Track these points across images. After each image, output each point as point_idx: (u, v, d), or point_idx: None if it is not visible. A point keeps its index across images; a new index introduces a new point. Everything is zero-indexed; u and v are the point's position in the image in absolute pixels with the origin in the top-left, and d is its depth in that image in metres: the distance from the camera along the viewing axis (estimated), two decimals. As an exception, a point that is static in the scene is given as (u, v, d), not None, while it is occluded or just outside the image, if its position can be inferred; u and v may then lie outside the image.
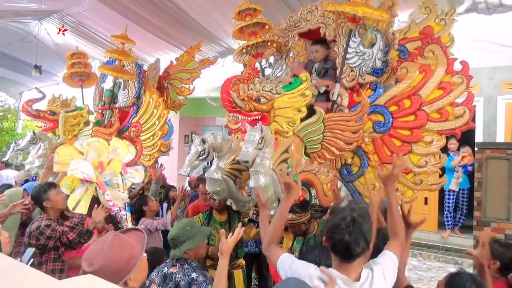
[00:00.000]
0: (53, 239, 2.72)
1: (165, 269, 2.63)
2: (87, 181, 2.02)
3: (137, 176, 2.37)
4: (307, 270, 1.89)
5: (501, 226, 5.23)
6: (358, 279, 1.83)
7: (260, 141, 2.73)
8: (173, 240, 2.72)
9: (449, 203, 7.16)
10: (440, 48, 3.16)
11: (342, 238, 1.78)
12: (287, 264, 1.98)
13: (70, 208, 2.13)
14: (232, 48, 7.62)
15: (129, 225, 2.35)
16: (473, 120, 3.18)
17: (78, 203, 2.05)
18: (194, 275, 2.56)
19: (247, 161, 2.66)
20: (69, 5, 7.25)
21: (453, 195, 7.12)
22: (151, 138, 5.23)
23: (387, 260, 1.97)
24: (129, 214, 2.40)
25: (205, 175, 3.27)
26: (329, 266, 1.93)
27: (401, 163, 2.44)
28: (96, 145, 2.06)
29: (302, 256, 2.24)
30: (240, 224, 2.31)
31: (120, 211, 2.30)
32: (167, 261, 2.77)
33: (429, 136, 3.24)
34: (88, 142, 2.07)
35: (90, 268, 1.58)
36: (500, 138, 6.89)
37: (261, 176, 2.78)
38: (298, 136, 3.24)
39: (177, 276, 2.57)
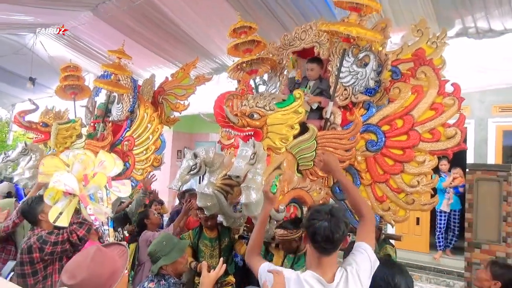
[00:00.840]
0: (61, 243, 2.61)
1: (146, 284, 2.63)
2: (70, 193, 1.98)
3: (123, 190, 2.32)
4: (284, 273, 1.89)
5: (492, 248, 5.22)
6: (332, 279, 1.84)
7: (252, 156, 2.73)
8: (150, 255, 2.71)
9: (440, 224, 7.16)
10: (432, 70, 3.21)
11: (321, 224, 1.82)
12: (265, 271, 2.00)
13: (51, 220, 2.07)
14: (226, 65, 7.68)
15: (111, 240, 2.30)
16: (464, 141, 3.21)
17: (60, 216, 1.99)
18: None
19: (238, 176, 2.65)
20: (65, 19, 7.30)
21: (445, 216, 7.13)
22: (144, 152, 5.22)
23: (361, 258, 1.96)
24: (111, 230, 2.35)
25: (196, 190, 3.25)
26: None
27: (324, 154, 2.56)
28: (82, 157, 2.02)
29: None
30: (222, 259, 2.29)
31: (103, 225, 2.25)
32: (149, 275, 2.75)
33: (421, 156, 3.26)
34: (75, 154, 2.04)
35: (71, 281, 1.54)
36: (491, 160, 6.96)
37: (253, 192, 2.77)
38: (290, 153, 3.25)
39: None
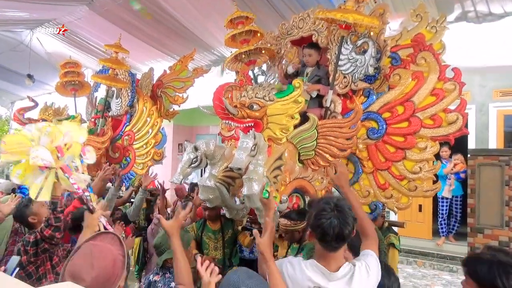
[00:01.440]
0: (37, 243, 2.50)
1: (151, 277, 2.65)
2: (46, 167, 1.93)
3: (90, 157, 2.30)
4: (287, 259, 1.93)
5: (495, 232, 5.24)
6: (336, 270, 1.82)
7: (253, 148, 2.71)
8: (156, 248, 2.74)
9: (442, 210, 7.17)
10: (432, 55, 3.18)
11: (331, 222, 1.77)
12: (281, 264, 1.95)
13: (33, 197, 2.03)
14: (224, 56, 7.65)
15: (94, 205, 2.27)
16: (466, 127, 3.19)
17: (40, 191, 1.95)
18: (173, 284, 2.54)
19: (239, 168, 2.63)
20: (62, 14, 7.25)
21: (447, 202, 7.15)
22: (144, 146, 5.21)
23: (372, 259, 1.94)
24: (92, 195, 2.33)
25: (198, 182, 3.24)
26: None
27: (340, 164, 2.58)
28: (48, 129, 1.97)
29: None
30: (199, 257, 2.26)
31: (84, 192, 2.23)
32: (154, 268, 2.76)
33: (422, 142, 3.24)
34: (39, 127, 1.99)
35: (82, 283, 1.50)
36: (492, 145, 6.95)
37: (255, 184, 2.76)
38: (291, 143, 3.23)
39: (158, 284, 2.56)
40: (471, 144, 6.94)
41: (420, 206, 7.49)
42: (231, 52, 4.01)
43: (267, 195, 2.20)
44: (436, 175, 3.36)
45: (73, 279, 1.53)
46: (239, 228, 3.96)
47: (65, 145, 1.94)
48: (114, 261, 1.63)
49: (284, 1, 5.75)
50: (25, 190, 5.39)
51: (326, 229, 1.77)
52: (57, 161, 1.90)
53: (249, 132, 2.84)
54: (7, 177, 5.92)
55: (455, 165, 6.99)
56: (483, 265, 1.82)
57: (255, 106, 2.94)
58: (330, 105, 3.39)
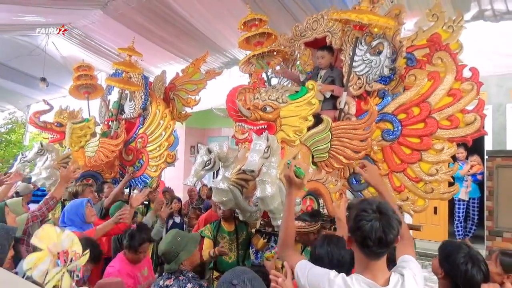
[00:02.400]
0: None
1: (161, 282, 2.58)
2: (64, 262, 1.94)
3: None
4: (327, 276, 1.71)
5: (513, 235, 5.11)
6: (386, 283, 1.63)
7: (266, 150, 2.70)
8: (166, 254, 2.64)
9: (459, 212, 7.04)
10: (448, 55, 3.13)
11: (372, 224, 1.58)
12: (305, 268, 1.81)
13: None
14: (237, 58, 7.63)
15: None
16: (483, 128, 3.13)
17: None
18: (189, 286, 2.51)
19: (253, 171, 2.62)
20: (76, 18, 7.34)
21: (463, 205, 7.01)
22: (158, 149, 5.25)
23: (415, 265, 1.76)
24: None
25: (211, 185, 3.24)
26: (343, 256, 1.83)
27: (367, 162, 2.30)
28: (72, 237, 2.04)
29: (311, 254, 2.13)
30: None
31: None
32: (163, 274, 2.71)
33: (439, 143, 3.19)
34: (66, 232, 2.04)
35: None
36: (510, 146, 6.79)
37: (268, 186, 2.74)
38: (305, 145, 3.21)
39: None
40: (488, 145, 6.80)
41: (435, 208, 7.36)
42: (244, 54, 4.01)
43: (303, 174, 2.01)
44: (452, 177, 3.29)
45: None
46: (253, 230, 3.95)
47: (76, 253, 1.97)
48: None
49: (297, 3, 5.71)
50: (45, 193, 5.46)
51: (367, 233, 1.59)
52: (69, 263, 1.93)
53: (262, 134, 2.82)
54: (25, 180, 6.01)
55: (471, 166, 6.85)
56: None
57: (268, 108, 2.92)
58: (344, 107, 3.36)
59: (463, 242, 2.19)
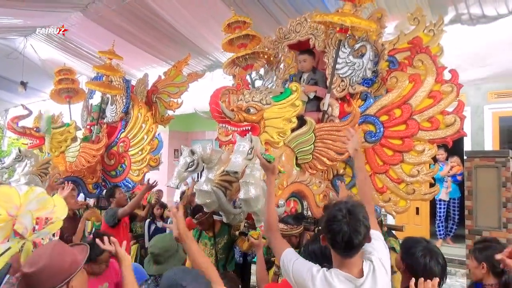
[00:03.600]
0: None
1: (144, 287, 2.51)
2: (20, 235, 1.79)
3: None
4: (310, 271, 1.81)
5: (493, 234, 5.20)
6: (361, 274, 1.75)
7: (250, 151, 2.69)
8: (158, 256, 2.54)
9: (440, 212, 7.16)
10: (429, 58, 3.18)
11: (340, 229, 1.69)
12: (290, 260, 1.91)
13: None
14: (220, 61, 7.62)
15: None
16: (462, 129, 3.19)
17: None
18: None
19: (236, 172, 2.61)
20: (56, 21, 7.21)
21: (444, 205, 7.14)
22: (140, 152, 5.19)
23: (380, 245, 1.89)
24: None
25: (195, 187, 3.21)
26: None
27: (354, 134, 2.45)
28: (45, 197, 1.87)
29: (305, 249, 2.21)
30: None
31: None
32: (149, 281, 2.61)
33: (420, 145, 3.23)
34: (36, 191, 1.87)
35: (32, 268, 1.57)
36: (488, 147, 6.96)
37: (252, 188, 2.73)
38: (288, 147, 3.21)
39: None
40: (467, 146, 6.95)
41: (417, 209, 7.46)
42: (227, 57, 4.00)
43: (273, 158, 2.18)
44: (433, 178, 3.35)
45: (26, 265, 1.61)
46: (236, 233, 3.93)
47: (47, 219, 1.83)
48: (73, 262, 1.67)
49: (279, 7, 5.75)
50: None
51: (335, 235, 1.71)
52: (31, 233, 1.77)
53: (245, 135, 2.81)
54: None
55: (451, 167, 6.99)
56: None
57: (252, 110, 2.92)
58: (327, 109, 3.38)
59: (422, 238, 2.28)
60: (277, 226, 2.18)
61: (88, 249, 1.81)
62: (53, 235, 1.88)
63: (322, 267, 1.82)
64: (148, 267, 2.60)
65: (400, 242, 2.43)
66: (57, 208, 1.87)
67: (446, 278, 2.21)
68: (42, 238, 1.81)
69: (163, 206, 5.28)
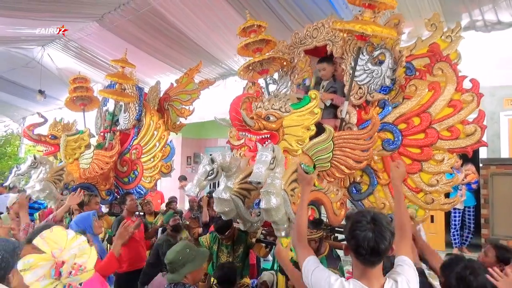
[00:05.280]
0: None
1: None
2: (59, 274, 1.79)
3: None
4: (328, 279, 1.81)
5: (510, 243, 5.12)
6: None
7: (272, 161, 2.67)
8: (171, 263, 2.62)
9: (455, 221, 7.07)
10: (449, 66, 3.15)
11: (365, 234, 1.68)
12: (310, 268, 1.92)
13: None
14: (232, 69, 7.66)
15: None
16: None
17: None
18: None
19: (259, 182, 2.59)
20: (72, 31, 7.32)
21: (459, 213, 7.05)
22: (152, 160, 5.22)
23: (410, 270, 1.84)
24: None
25: (213, 195, 3.20)
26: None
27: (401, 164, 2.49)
28: (85, 246, 1.89)
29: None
30: None
31: None
32: (165, 286, 2.67)
33: (440, 154, 3.19)
34: (81, 239, 1.89)
35: None
36: (504, 154, 6.86)
37: (273, 197, 2.71)
38: (307, 155, 3.18)
39: None
40: (483, 154, 6.86)
41: (432, 217, 7.36)
42: (239, 65, 4.00)
43: (313, 170, 2.32)
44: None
45: None
46: (253, 240, 3.92)
47: (80, 266, 1.84)
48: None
49: (290, 14, 5.77)
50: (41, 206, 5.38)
51: (360, 241, 1.69)
52: (66, 276, 1.79)
53: (267, 144, 2.80)
54: (19, 191, 5.90)
55: (466, 175, 6.91)
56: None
57: (271, 118, 2.91)
58: (345, 116, 3.36)
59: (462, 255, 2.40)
60: (306, 237, 2.20)
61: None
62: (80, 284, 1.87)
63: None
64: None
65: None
66: (90, 259, 1.88)
67: None
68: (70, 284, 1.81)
69: (180, 216, 5.31)
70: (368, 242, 1.67)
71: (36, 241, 1.73)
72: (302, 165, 2.26)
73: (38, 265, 1.70)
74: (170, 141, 5.36)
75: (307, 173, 2.24)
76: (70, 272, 1.77)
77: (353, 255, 1.76)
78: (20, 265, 1.69)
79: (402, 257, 1.90)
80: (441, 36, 3.26)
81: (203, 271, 2.81)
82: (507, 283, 2.14)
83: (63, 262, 1.75)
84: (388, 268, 1.92)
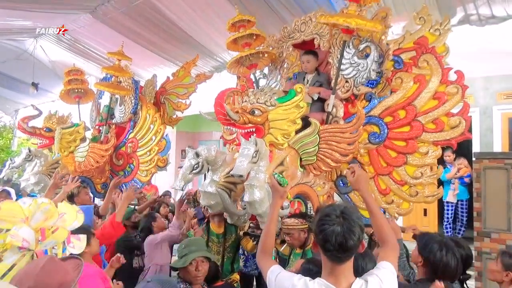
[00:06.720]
0: None
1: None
2: (24, 248, 1.71)
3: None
4: (291, 280, 1.74)
5: (501, 236, 5.14)
6: None
7: (254, 154, 2.70)
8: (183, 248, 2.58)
9: (448, 214, 7.11)
10: (434, 58, 3.16)
11: (333, 229, 1.60)
12: (274, 275, 1.83)
13: None
14: (226, 62, 7.63)
15: None
16: (470, 130, 3.17)
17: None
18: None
19: (241, 176, 2.62)
20: (65, 22, 7.30)
21: (452, 207, 7.08)
22: (148, 153, 5.22)
23: (386, 273, 1.74)
24: None
25: (199, 188, 3.24)
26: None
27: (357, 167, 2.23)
28: (47, 207, 1.86)
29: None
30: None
31: None
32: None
33: (424, 147, 3.22)
34: (38, 203, 1.87)
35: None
36: (497, 148, 6.88)
37: (256, 190, 2.74)
38: (293, 148, 3.22)
39: None
40: (476, 148, 6.88)
41: (425, 210, 7.41)
42: (232, 56, 4.01)
43: (287, 182, 2.14)
44: (439, 180, 3.33)
45: (13, 281, 1.52)
46: (241, 233, 3.95)
47: (50, 228, 1.82)
48: (60, 284, 1.56)
49: (284, 5, 5.75)
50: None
51: (328, 236, 1.61)
52: (36, 244, 1.77)
53: (250, 138, 2.83)
54: (13, 186, 5.94)
55: (458, 169, 6.93)
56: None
57: (256, 112, 2.93)
58: (332, 110, 3.38)
59: (437, 233, 2.46)
60: (271, 251, 2.09)
61: (82, 263, 1.73)
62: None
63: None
64: None
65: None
66: (67, 216, 1.86)
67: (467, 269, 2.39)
68: (53, 247, 1.81)
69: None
70: (336, 237, 1.59)
71: None
72: (275, 176, 2.06)
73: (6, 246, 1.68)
74: (166, 135, 5.38)
75: (280, 184, 2.05)
76: (38, 239, 1.75)
77: (321, 251, 1.69)
78: None
79: (384, 262, 1.80)
80: (429, 30, 3.26)
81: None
82: None
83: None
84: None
